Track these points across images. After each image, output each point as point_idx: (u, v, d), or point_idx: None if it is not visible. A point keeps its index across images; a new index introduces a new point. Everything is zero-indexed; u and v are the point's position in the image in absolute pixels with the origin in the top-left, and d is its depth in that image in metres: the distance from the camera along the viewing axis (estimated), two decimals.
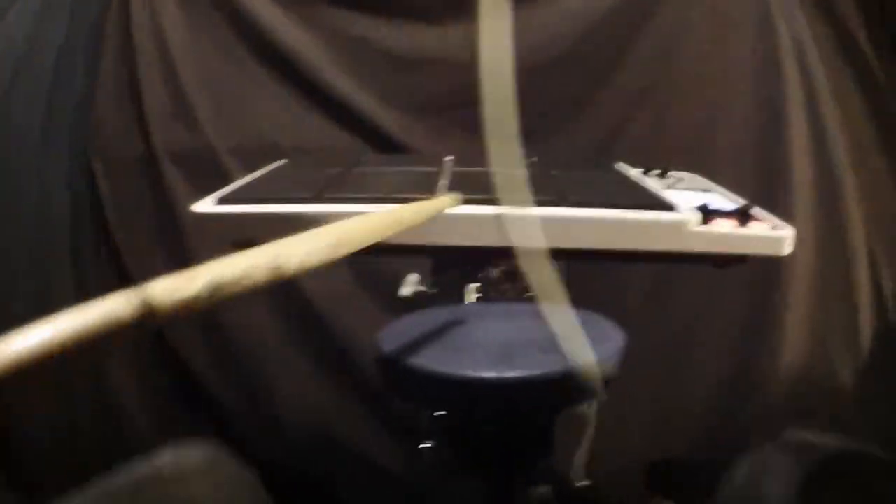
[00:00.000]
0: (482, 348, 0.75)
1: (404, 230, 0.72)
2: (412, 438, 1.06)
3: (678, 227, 0.87)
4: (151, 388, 1.68)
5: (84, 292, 1.67)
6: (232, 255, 0.51)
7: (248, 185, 1.04)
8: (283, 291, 1.62)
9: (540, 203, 0.88)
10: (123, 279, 1.65)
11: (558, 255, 0.83)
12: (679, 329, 1.67)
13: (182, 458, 0.98)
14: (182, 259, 1.62)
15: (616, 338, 0.79)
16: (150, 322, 0.43)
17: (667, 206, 0.90)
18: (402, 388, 0.79)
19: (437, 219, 0.87)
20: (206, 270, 0.47)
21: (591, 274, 1.49)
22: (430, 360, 0.71)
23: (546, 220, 0.85)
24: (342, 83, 1.59)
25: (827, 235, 1.64)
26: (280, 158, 1.28)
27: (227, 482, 0.99)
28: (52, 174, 1.65)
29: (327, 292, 1.63)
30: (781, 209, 0.97)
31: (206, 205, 0.92)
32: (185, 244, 1.62)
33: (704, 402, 1.67)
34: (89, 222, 1.68)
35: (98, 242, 1.68)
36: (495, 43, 0.57)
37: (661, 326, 1.63)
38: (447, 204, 0.84)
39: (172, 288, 0.45)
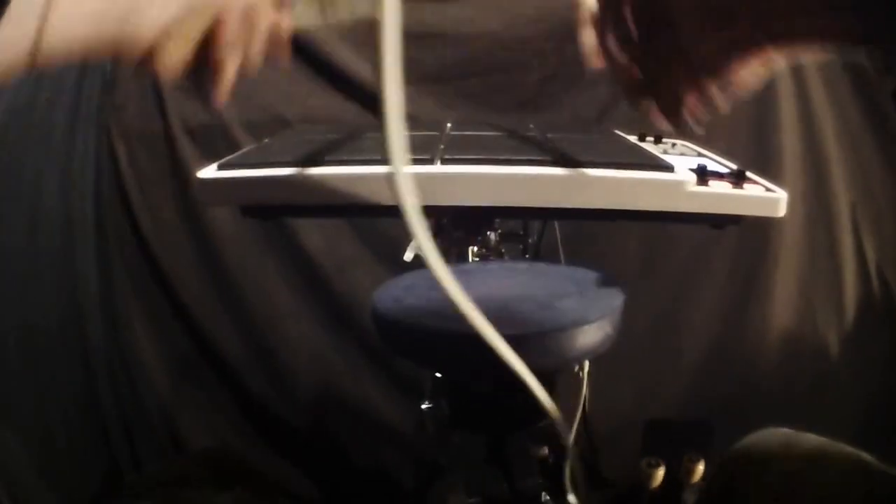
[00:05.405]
0: (479, 305, 0.69)
1: None
2: (415, 396, 1.01)
3: (676, 186, 0.80)
4: (166, 345, 1.65)
5: (107, 268, 1.63)
6: None
7: (249, 151, 0.97)
8: (289, 252, 1.60)
9: (537, 163, 0.81)
10: (145, 253, 1.62)
11: (557, 214, 0.76)
12: (669, 293, 1.63)
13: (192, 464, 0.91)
14: (201, 230, 1.60)
15: (615, 295, 0.72)
16: None
17: (665, 167, 0.83)
18: (399, 346, 0.72)
19: (434, 178, 0.80)
20: None
21: (581, 238, 1.45)
22: (425, 317, 0.65)
23: (545, 180, 0.78)
24: (347, 57, 1.55)
25: (813, 206, 1.62)
26: (287, 129, 1.22)
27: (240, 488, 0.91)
28: (78, 152, 1.60)
29: (331, 254, 1.61)
30: (770, 179, 0.91)
31: (208, 171, 0.86)
32: (201, 214, 1.60)
33: (694, 365, 1.64)
34: (112, 196, 1.63)
35: (121, 216, 1.63)
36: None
37: (651, 291, 1.60)
38: None
39: None
